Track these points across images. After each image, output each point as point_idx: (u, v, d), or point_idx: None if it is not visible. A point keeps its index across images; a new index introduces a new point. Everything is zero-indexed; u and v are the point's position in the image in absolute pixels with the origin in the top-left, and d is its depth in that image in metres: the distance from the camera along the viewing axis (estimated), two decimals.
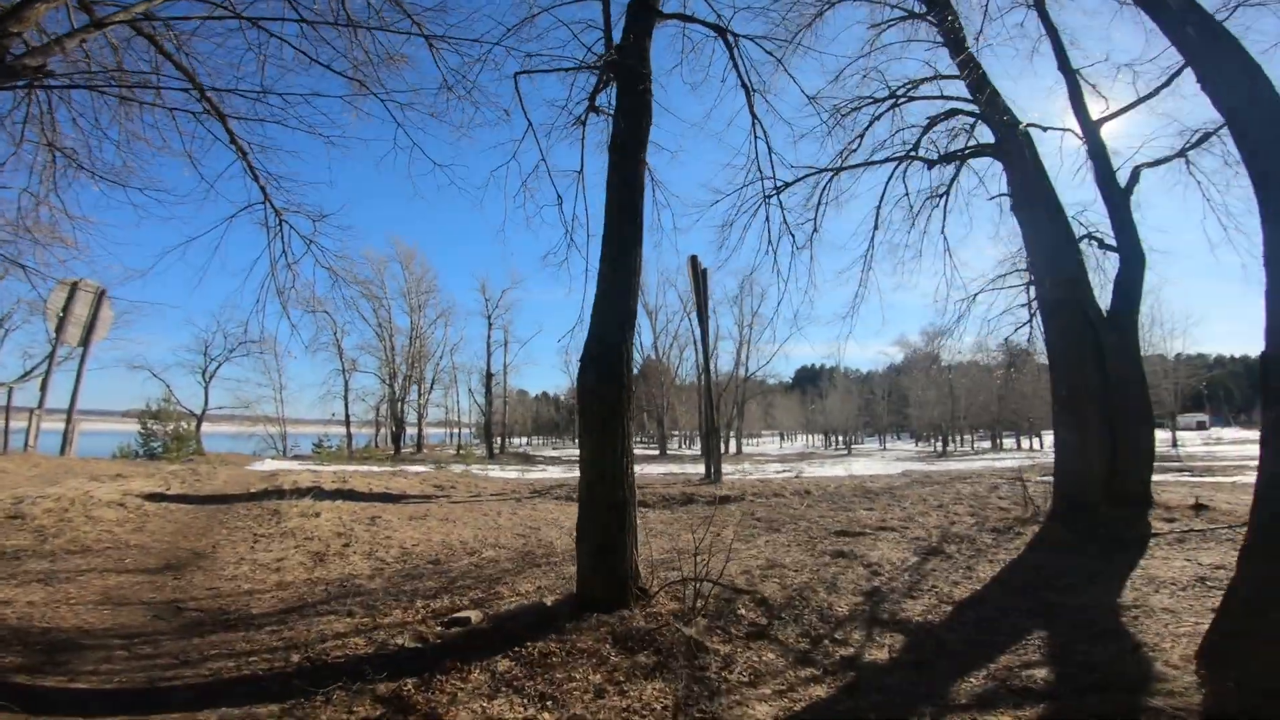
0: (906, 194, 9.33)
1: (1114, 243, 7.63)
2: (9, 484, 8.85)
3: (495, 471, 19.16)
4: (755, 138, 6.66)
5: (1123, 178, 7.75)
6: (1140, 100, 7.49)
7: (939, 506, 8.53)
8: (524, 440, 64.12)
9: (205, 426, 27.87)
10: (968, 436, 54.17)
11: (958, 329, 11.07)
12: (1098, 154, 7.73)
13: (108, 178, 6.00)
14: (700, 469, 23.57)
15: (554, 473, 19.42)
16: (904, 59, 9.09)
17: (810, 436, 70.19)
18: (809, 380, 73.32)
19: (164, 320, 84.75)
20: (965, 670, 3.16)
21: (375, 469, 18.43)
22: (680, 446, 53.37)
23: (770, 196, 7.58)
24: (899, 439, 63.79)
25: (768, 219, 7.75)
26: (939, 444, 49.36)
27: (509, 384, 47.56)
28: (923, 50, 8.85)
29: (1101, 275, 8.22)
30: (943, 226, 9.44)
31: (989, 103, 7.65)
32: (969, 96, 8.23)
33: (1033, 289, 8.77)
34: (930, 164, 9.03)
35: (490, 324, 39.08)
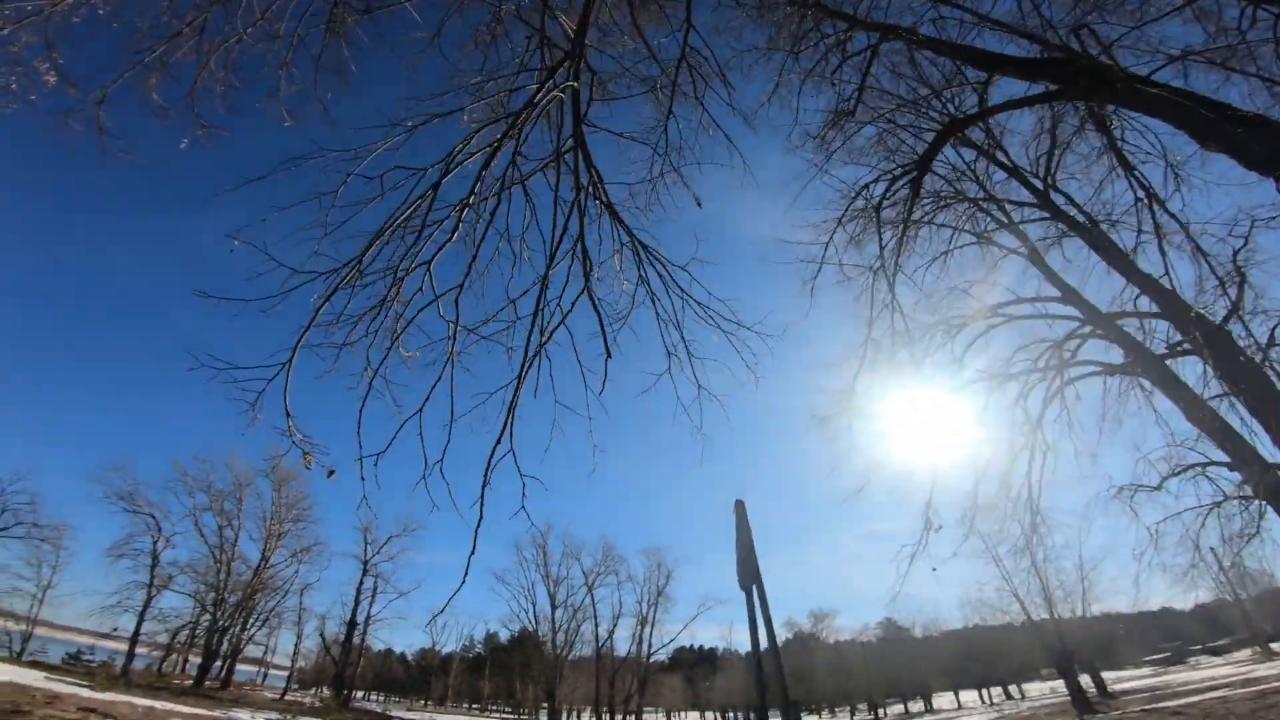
0: None
1: None
2: None
3: None
4: None
5: None
6: None
7: None
8: (361, 694, 52.41)
9: None
10: (857, 707, 53.51)
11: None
12: None
13: None
14: None
15: None
16: None
17: (700, 714, 67.36)
18: (690, 662, 71.98)
19: None
20: None
21: (187, 710, 12.18)
22: None
23: None
24: None
25: None
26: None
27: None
28: None
29: None
30: None
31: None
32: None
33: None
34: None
35: (365, 570, 33.18)
